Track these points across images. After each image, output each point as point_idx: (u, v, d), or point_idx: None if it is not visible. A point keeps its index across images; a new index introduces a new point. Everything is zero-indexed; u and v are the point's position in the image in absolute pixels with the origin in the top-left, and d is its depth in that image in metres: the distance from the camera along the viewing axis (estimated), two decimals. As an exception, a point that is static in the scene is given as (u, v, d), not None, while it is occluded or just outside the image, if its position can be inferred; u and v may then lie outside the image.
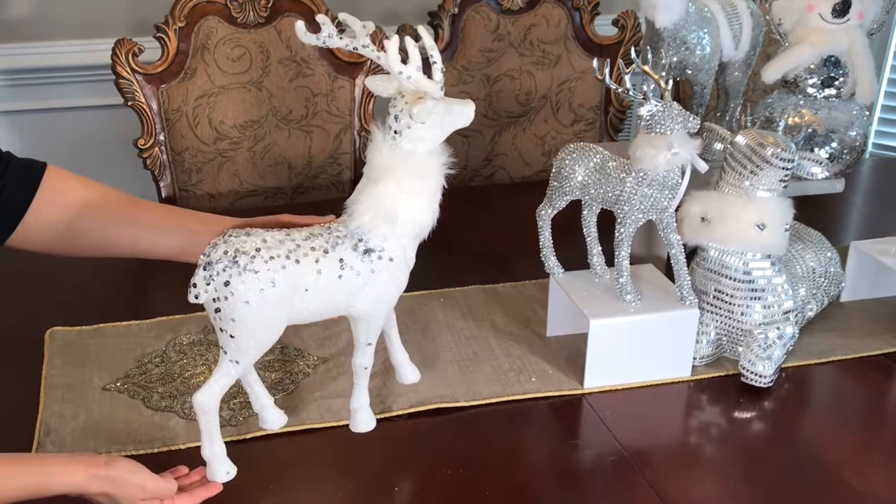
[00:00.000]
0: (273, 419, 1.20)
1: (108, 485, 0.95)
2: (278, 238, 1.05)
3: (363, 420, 1.20)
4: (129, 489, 0.96)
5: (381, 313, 1.13)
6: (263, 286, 1.02)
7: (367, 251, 1.07)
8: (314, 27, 1.03)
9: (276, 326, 1.06)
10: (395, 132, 1.05)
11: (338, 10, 2.07)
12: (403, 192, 1.06)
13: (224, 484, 1.11)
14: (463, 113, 1.08)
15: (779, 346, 1.34)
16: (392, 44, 1.02)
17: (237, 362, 1.06)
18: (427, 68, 1.05)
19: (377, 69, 2.11)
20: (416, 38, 1.03)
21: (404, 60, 1.05)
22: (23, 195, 1.12)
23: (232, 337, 1.04)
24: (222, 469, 1.10)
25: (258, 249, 1.03)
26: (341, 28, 1.07)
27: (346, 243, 1.07)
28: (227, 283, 1.01)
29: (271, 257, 1.03)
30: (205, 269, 1.02)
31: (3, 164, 1.12)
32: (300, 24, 1.05)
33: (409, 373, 1.29)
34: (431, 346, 1.42)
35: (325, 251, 1.06)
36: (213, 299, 1.02)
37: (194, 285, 1.02)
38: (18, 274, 1.66)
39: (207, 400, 1.07)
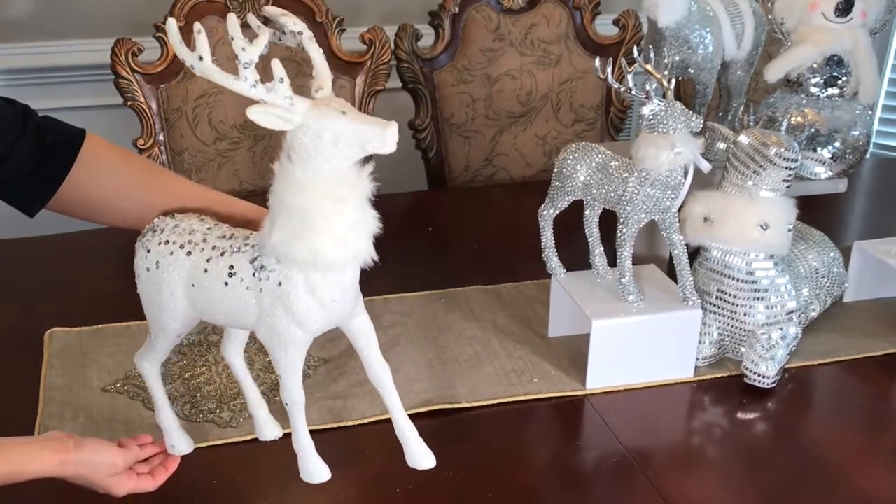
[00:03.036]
0: (263, 430, 1.17)
1: (79, 468, 0.97)
2: (194, 227, 1.03)
3: (309, 467, 1.07)
4: (101, 469, 0.99)
5: (280, 346, 1.00)
6: (149, 265, 1.02)
7: (262, 267, 0.97)
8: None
9: (166, 311, 1.03)
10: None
11: (338, 10, 2.07)
12: (284, 208, 0.93)
13: (222, 485, 1.11)
14: (350, 131, 0.89)
15: (782, 346, 1.33)
16: (170, 25, 0.88)
17: (150, 335, 1.07)
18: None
19: (378, 69, 2.10)
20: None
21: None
22: (61, 165, 1.11)
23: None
24: (168, 441, 1.10)
25: (162, 231, 1.03)
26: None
27: (247, 253, 0.98)
28: (135, 254, 1.04)
29: (166, 241, 1.02)
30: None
31: (41, 131, 1.11)
32: (252, 18, 0.98)
33: (416, 452, 1.07)
34: (433, 347, 1.41)
35: (223, 253, 1.00)
36: None
37: None
38: (18, 274, 1.66)
39: (137, 365, 1.10)
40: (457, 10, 2.16)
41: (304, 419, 1.05)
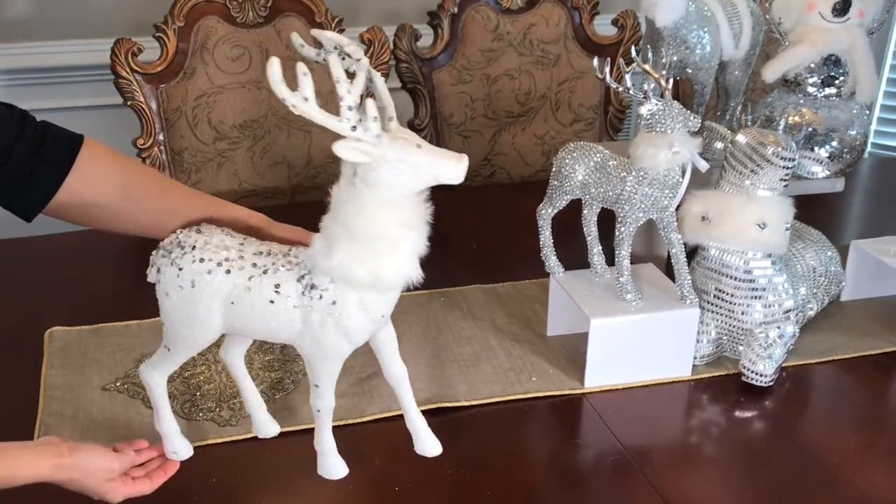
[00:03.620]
0: (262, 427, 1.19)
1: (73, 473, 0.97)
2: (227, 243, 1.03)
3: (329, 465, 1.11)
4: (97, 474, 0.99)
5: (324, 359, 1.04)
6: (182, 284, 1.02)
7: (312, 286, 1.00)
8: (315, 28, 1.00)
9: (198, 327, 1.04)
10: (355, 168, 0.96)
11: (338, 10, 2.08)
12: (348, 234, 0.96)
13: (222, 483, 1.11)
14: (430, 165, 0.94)
15: (779, 345, 1.34)
16: (273, 66, 0.90)
17: (168, 349, 1.08)
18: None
19: (377, 68, 2.11)
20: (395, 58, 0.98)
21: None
22: (58, 170, 1.11)
23: (163, 323, 1.06)
24: (170, 447, 1.11)
25: (193, 247, 1.02)
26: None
27: (293, 272, 1.00)
28: (158, 271, 1.04)
29: (201, 259, 1.02)
30: (155, 251, 1.06)
31: (39, 136, 1.11)
32: (296, 36, 1.01)
33: (425, 441, 1.13)
34: (432, 346, 1.42)
35: (265, 271, 1.01)
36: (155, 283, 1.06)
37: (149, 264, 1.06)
38: (18, 274, 1.66)
39: (145, 375, 1.10)
40: (456, 10, 2.16)
41: (331, 422, 1.10)
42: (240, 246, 1.04)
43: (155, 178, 1.21)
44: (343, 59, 1.01)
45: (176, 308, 1.03)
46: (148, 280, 1.06)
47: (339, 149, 0.92)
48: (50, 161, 1.11)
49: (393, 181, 0.94)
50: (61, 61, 2.41)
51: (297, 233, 1.17)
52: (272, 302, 1.01)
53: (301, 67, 0.90)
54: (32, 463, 0.95)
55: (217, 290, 1.01)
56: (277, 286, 1.01)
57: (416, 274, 0.99)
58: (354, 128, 0.92)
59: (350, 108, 0.91)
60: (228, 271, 1.01)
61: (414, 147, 0.94)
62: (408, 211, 0.97)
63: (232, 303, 1.02)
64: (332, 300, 1.00)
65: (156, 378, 1.10)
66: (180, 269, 1.02)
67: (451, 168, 0.95)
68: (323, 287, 1.00)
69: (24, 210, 1.13)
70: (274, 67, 0.90)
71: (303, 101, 0.91)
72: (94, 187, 1.14)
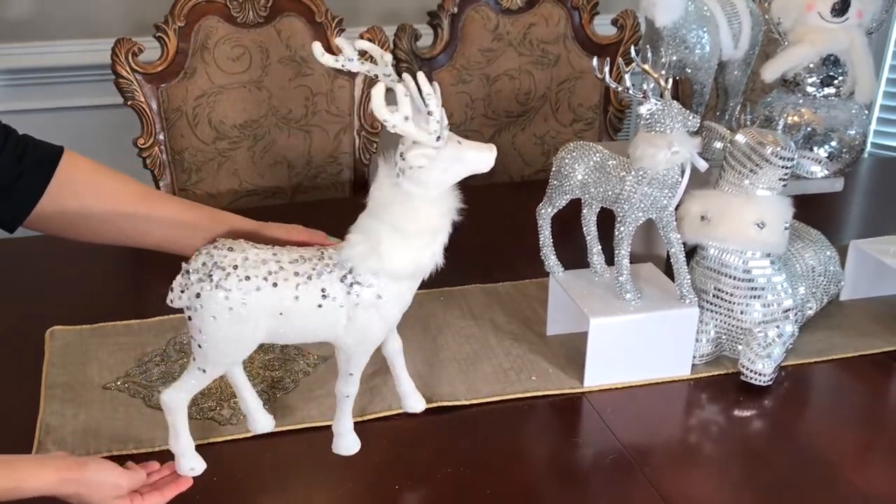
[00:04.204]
0: (260, 422, 1.20)
1: (80, 487, 0.97)
2: (262, 257, 1.04)
3: (346, 443, 1.17)
4: (104, 489, 0.98)
5: (365, 348, 1.10)
6: (233, 305, 1.02)
7: (355, 284, 1.04)
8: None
9: (244, 343, 1.05)
10: (400, 170, 1.00)
11: (338, 10, 2.08)
12: (397, 233, 1.02)
13: (222, 482, 1.12)
14: (477, 160, 1.02)
15: (778, 344, 1.34)
16: (377, 91, 0.94)
17: (204, 371, 1.07)
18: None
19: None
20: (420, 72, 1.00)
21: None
22: (39, 181, 1.12)
23: (200, 347, 1.05)
24: (186, 465, 1.10)
25: (235, 267, 1.02)
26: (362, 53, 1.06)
27: (334, 273, 1.04)
28: (198, 295, 1.02)
29: (247, 277, 1.02)
30: (183, 276, 1.04)
31: (21, 147, 1.12)
32: (317, 46, 1.03)
33: (414, 402, 1.24)
34: (431, 345, 1.42)
35: (309, 277, 1.03)
36: (186, 307, 1.04)
37: (172, 290, 1.04)
38: (18, 274, 1.66)
39: (172, 400, 1.08)
40: (455, 10, 2.17)
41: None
42: (274, 256, 1.05)
43: (136, 187, 1.20)
44: (363, 63, 1.04)
45: (224, 329, 1.03)
46: (172, 305, 1.04)
47: (413, 158, 0.98)
48: (31, 170, 1.12)
49: (443, 179, 1.01)
50: (62, 61, 2.41)
51: (301, 232, 1.17)
52: (320, 306, 1.04)
53: (401, 90, 0.95)
54: (38, 475, 0.94)
55: (265, 304, 1.03)
56: (324, 290, 1.03)
57: (441, 259, 1.05)
58: (439, 138, 0.97)
59: (437, 121, 0.96)
60: (275, 284, 1.03)
61: (457, 144, 1.00)
62: (447, 202, 1.04)
63: (280, 314, 1.04)
64: (378, 294, 1.05)
65: (183, 399, 1.08)
66: (227, 291, 1.01)
67: (486, 158, 1.02)
68: (367, 284, 1.04)
69: (8, 220, 1.13)
70: (377, 93, 0.94)
71: (403, 121, 0.95)
72: (76, 196, 1.14)
